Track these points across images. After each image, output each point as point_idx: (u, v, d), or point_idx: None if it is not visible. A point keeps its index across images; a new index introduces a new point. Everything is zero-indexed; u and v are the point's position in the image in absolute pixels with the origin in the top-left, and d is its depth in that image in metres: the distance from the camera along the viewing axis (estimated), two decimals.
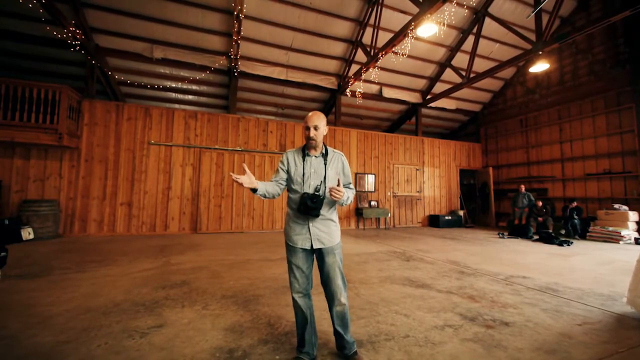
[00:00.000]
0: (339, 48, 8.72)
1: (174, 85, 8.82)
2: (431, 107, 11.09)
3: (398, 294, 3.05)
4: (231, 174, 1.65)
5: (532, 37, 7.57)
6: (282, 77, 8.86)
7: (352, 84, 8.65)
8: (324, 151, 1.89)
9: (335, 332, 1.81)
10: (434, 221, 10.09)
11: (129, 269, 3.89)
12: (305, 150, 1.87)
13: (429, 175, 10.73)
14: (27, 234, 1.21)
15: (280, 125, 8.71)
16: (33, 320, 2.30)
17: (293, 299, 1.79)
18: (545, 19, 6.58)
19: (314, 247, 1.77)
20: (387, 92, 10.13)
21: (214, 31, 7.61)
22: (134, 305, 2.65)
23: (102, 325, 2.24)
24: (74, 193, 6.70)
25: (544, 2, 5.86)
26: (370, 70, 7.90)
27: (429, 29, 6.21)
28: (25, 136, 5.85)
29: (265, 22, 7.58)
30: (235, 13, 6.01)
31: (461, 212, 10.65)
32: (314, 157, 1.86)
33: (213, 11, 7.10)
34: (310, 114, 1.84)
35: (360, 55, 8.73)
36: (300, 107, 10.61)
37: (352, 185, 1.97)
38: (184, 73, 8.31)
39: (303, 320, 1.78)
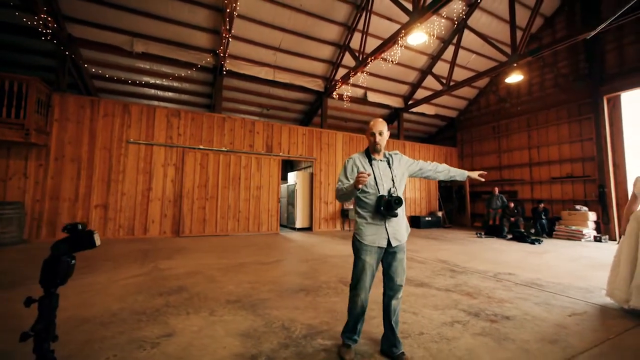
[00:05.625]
0: (326, 51, 8.79)
1: (153, 82, 8.40)
2: (412, 112, 11.50)
3: None
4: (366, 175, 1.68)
5: (507, 49, 8.14)
6: (270, 78, 8.76)
7: (339, 87, 8.75)
8: (385, 155, 2.01)
9: (389, 328, 1.89)
10: (415, 222, 10.44)
11: (116, 276, 3.65)
12: (370, 155, 1.97)
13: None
14: (97, 239, 1.11)
15: (267, 126, 8.59)
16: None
17: (356, 294, 1.86)
18: (519, 34, 7.10)
19: (392, 245, 1.85)
20: (372, 97, 10.37)
21: (201, 27, 7.36)
22: (134, 314, 2.49)
23: (104, 336, 2.09)
24: (42, 194, 6.14)
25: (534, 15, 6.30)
26: (358, 74, 8.05)
27: (418, 37, 6.48)
28: None
29: (255, 21, 7.46)
30: (228, 10, 5.85)
31: (440, 213, 11.14)
32: (379, 161, 1.97)
33: (200, 7, 6.87)
34: (373, 121, 1.95)
35: (348, 59, 8.84)
36: (285, 108, 10.54)
37: (430, 163, 2.16)
38: (166, 69, 7.96)
39: (362, 312, 1.88)
